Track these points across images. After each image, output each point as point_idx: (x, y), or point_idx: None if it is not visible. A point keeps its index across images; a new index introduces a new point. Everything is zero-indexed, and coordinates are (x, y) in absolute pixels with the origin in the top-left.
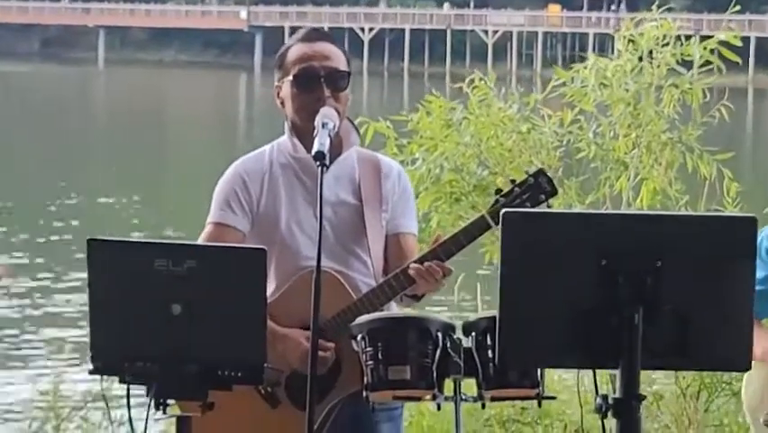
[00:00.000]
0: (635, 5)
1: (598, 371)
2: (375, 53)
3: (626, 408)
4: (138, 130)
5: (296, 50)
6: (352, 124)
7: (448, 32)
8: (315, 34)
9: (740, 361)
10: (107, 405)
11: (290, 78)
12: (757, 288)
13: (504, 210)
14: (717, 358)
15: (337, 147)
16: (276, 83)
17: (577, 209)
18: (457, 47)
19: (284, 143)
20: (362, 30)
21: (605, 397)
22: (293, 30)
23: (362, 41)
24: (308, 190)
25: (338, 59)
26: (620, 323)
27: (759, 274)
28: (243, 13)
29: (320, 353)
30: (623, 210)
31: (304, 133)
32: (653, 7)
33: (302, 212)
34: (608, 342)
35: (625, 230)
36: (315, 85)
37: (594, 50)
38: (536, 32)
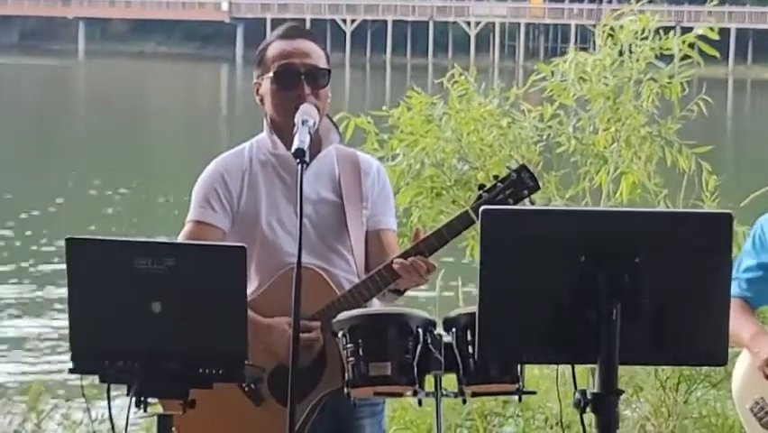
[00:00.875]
0: None
1: (579, 365)
2: (357, 45)
3: (604, 402)
4: (118, 123)
5: (275, 46)
6: (332, 121)
7: (430, 24)
8: (295, 31)
9: (717, 355)
10: (87, 403)
11: (270, 74)
12: (750, 275)
13: (483, 207)
14: (695, 353)
15: (317, 145)
16: (255, 79)
17: (557, 204)
18: (440, 39)
19: (263, 141)
20: (344, 21)
21: (583, 392)
22: (275, 22)
23: (344, 33)
24: (288, 187)
25: (318, 57)
26: (598, 318)
27: (750, 262)
28: (225, 5)
29: (305, 335)
30: (603, 204)
31: (283, 130)
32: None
33: (282, 209)
34: (586, 337)
35: (603, 226)
36: (295, 82)
37: (576, 41)
38: (519, 24)
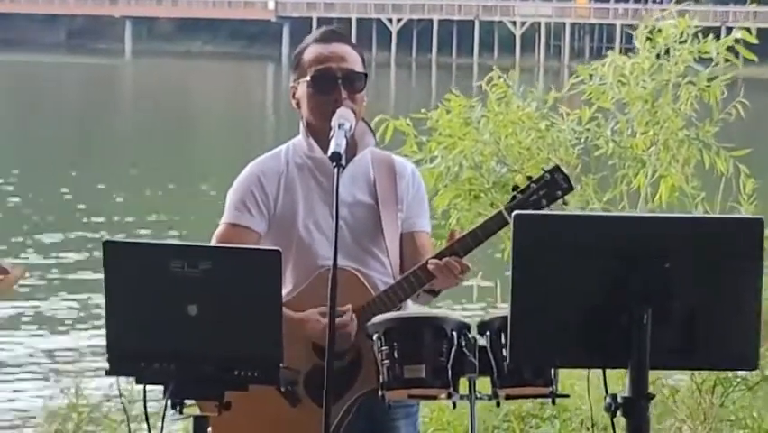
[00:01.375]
0: None
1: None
2: (403, 44)
3: (635, 407)
4: (165, 122)
5: (312, 50)
6: (368, 125)
7: (476, 23)
8: (331, 35)
9: (748, 359)
10: (124, 405)
11: (307, 79)
12: None
13: (515, 212)
14: (726, 357)
15: (353, 148)
16: (291, 83)
17: (595, 207)
18: (485, 38)
19: (299, 144)
20: (390, 20)
21: (614, 396)
22: (321, 20)
23: (390, 32)
24: (325, 190)
25: (354, 61)
26: (629, 323)
27: None
28: (271, 4)
29: (338, 319)
30: (640, 207)
31: (319, 133)
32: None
33: (319, 212)
34: (617, 341)
35: (634, 231)
36: (332, 86)
37: (622, 41)
38: (564, 24)
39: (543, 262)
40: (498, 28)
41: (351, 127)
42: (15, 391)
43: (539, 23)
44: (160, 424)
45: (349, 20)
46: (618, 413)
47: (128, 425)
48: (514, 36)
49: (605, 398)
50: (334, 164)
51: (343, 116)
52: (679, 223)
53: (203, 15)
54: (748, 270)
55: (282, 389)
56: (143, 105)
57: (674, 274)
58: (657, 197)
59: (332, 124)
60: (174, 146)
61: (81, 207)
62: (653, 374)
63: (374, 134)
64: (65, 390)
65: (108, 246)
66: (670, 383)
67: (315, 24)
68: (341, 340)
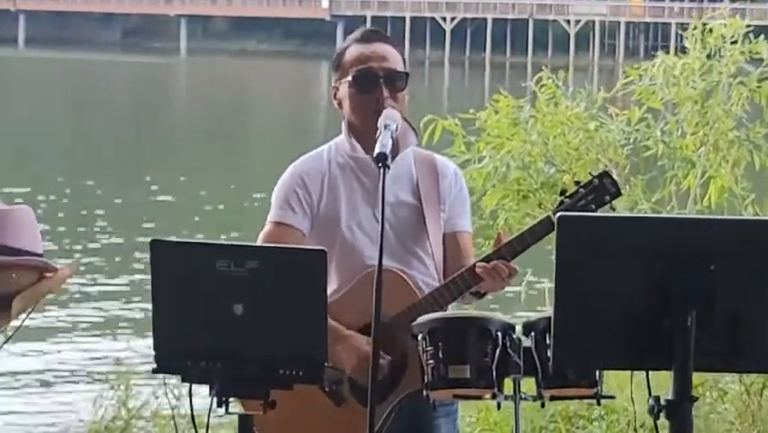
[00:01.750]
0: None
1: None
2: (457, 43)
3: (678, 409)
4: (220, 120)
5: (353, 50)
6: (410, 124)
7: (530, 22)
8: (372, 35)
9: None
10: (170, 403)
11: (349, 78)
12: None
13: (559, 214)
14: None
15: (395, 147)
16: (333, 83)
17: (643, 208)
18: (539, 37)
19: (341, 143)
20: (444, 19)
21: (657, 398)
22: (375, 19)
23: (444, 31)
24: (367, 191)
25: (396, 60)
26: (673, 325)
27: None
28: (325, 2)
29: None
30: (689, 208)
31: (361, 133)
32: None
33: (362, 212)
34: (661, 344)
35: (678, 233)
36: (374, 86)
37: (677, 40)
38: (618, 22)
39: (586, 264)
40: (552, 27)
41: (397, 128)
42: (68, 392)
43: (593, 22)
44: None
45: (403, 18)
46: (662, 415)
47: (174, 422)
48: (568, 35)
49: (648, 400)
50: (380, 165)
51: (390, 117)
52: (724, 225)
53: (257, 14)
54: None
55: (326, 388)
56: (198, 103)
57: (719, 277)
58: (707, 198)
59: (378, 124)
60: (229, 145)
61: (135, 207)
62: (701, 377)
63: (416, 133)
64: (115, 387)
65: (155, 245)
66: (719, 386)
67: (369, 23)
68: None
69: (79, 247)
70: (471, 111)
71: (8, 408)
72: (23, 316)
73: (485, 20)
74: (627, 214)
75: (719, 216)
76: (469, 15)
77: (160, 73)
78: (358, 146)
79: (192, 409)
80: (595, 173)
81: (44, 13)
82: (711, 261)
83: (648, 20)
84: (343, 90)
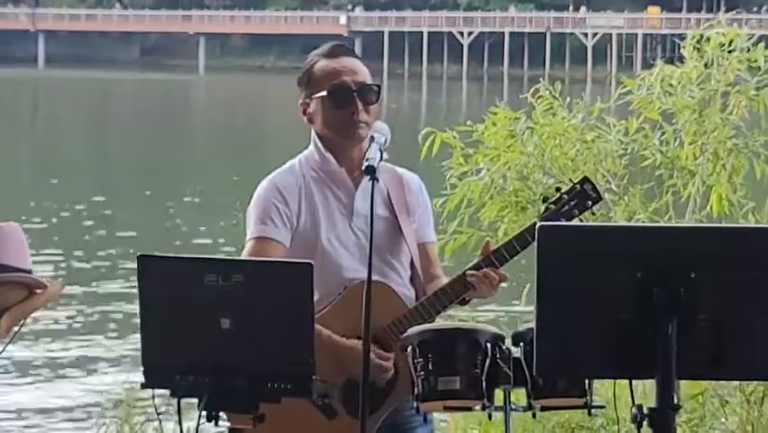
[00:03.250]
0: (735, 4)
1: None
2: (474, 57)
3: (661, 417)
4: (239, 137)
5: (322, 66)
6: None
7: (548, 36)
8: (339, 49)
9: None
10: (159, 417)
11: (323, 93)
12: None
13: (539, 224)
14: (754, 368)
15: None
16: (302, 99)
17: (641, 218)
18: (557, 50)
19: (310, 157)
20: (461, 34)
21: (640, 407)
22: (392, 35)
23: (462, 46)
24: (343, 203)
25: (364, 74)
26: (655, 334)
27: None
28: (343, 19)
29: (381, 363)
30: (688, 217)
31: (335, 146)
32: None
33: (339, 225)
34: (643, 353)
35: (659, 242)
36: (349, 100)
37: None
38: (636, 34)
39: (566, 274)
40: (569, 40)
41: (385, 141)
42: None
43: (611, 35)
44: None
45: (420, 33)
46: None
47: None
48: (585, 48)
49: (630, 409)
50: (369, 178)
51: (378, 129)
52: (704, 233)
53: (275, 31)
54: None
55: (319, 402)
56: (216, 120)
57: (700, 285)
58: (708, 207)
59: (364, 136)
60: (247, 161)
61: (153, 224)
62: (700, 387)
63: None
64: (116, 403)
65: (142, 260)
66: (719, 394)
67: (386, 39)
68: (377, 378)
69: (93, 264)
70: (468, 123)
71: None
72: (11, 333)
73: (502, 34)
74: (608, 223)
75: (699, 225)
76: (486, 29)
77: (180, 90)
78: (330, 158)
79: (180, 423)
80: (576, 180)
81: (63, 32)
82: (692, 269)
83: (665, 31)
84: (315, 105)
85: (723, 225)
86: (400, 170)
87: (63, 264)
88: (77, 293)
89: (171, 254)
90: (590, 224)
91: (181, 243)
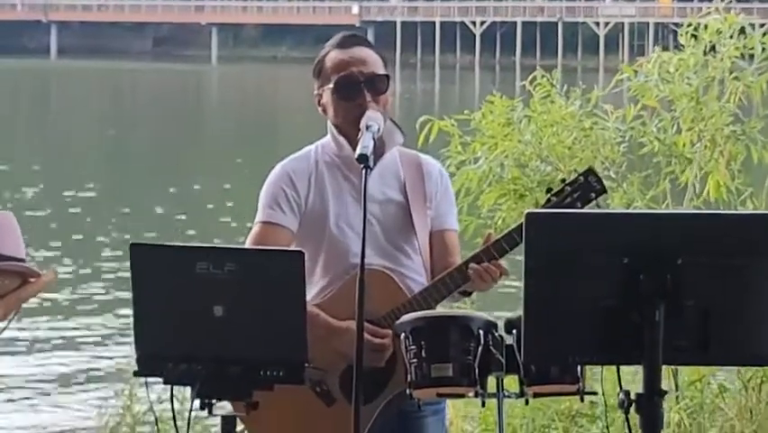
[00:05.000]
0: None
1: None
2: (487, 47)
3: (648, 403)
4: (251, 127)
5: (333, 57)
6: (395, 124)
7: (559, 25)
8: (350, 39)
9: (764, 356)
10: (153, 408)
11: (330, 86)
12: None
13: (526, 211)
14: (741, 354)
15: (380, 147)
16: (316, 91)
17: (638, 205)
18: (569, 39)
19: (327, 144)
20: (474, 23)
21: (627, 392)
22: (404, 24)
23: (474, 35)
24: (355, 188)
25: (375, 63)
26: (642, 320)
27: None
28: (355, 9)
29: (377, 341)
30: (686, 204)
31: (349, 135)
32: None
33: (350, 210)
34: (630, 338)
35: (646, 229)
36: (356, 91)
37: None
38: (648, 24)
39: (554, 260)
40: (581, 29)
41: (379, 129)
42: (73, 397)
43: (623, 24)
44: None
45: (432, 23)
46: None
47: (156, 427)
48: (597, 37)
49: (618, 394)
50: (362, 166)
51: (372, 118)
52: (690, 219)
53: (288, 21)
54: (761, 266)
55: (317, 389)
56: (229, 110)
57: (687, 271)
58: (705, 192)
59: (360, 125)
60: (260, 151)
61: (167, 216)
62: (698, 373)
63: (403, 133)
64: (119, 392)
65: (135, 249)
66: (719, 381)
67: (399, 28)
68: (373, 358)
69: (108, 253)
70: (466, 112)
71: (12, 415)
72: (5, 321)
73: (514, 23)
74: (595, 210)
75: (686, 211)
76: (498, 19)
77: (192, 81)
78: (345, 144)
79: (174, 412)
80: (580, 171)
81: (75, 23)
82: (678, 255)
83: (677, 20)
84: (326, 97)
85: (709, 211)
86: (423, 156)
87: (76, 252)
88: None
89: (163, 242)
90: (577, 211)
91: (195, 232)
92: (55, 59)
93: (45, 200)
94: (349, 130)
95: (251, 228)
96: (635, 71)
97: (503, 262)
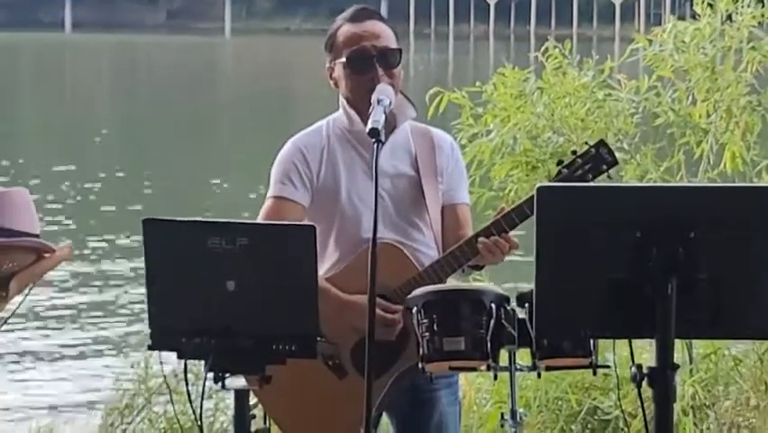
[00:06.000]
0: None
1: None
2: (501, 17)
3: (660, 377)
4: (265, 101)
5: (345, 30)
6: (407, 98)
7: None
8: (363, 13)
9: None
10: (167, 381)
11: (342, 60)
12: None
13: (537, 185)
14: (753, 327)
15: (392, 121)
16: (328, 64)
17: (652, 178)
18: (584, 8)
19: (339, 119)
20: None
21: (639, 366)
22: None
23: (488, 5)
24: (367, 163)
25: (388, 37)
26: (654, 293)
27: None
28: None
29: (389, 316)
30: (701, 176)
31: (360, 109)
32: None
33: (362, 184)
34: (642, 312)
35: (658, 202)
36: (368, 65)
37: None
38: None
39: (566, 234)
40: None
41: (390, 103)
42: (88, 370)
43: None
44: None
45: None
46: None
47: (171, 399)
48: (613, 5)
49: (630, 368)
50: (374, 140)
51: (383, 92)
52: (703, 192)
53: None
54: None
55: (329, 363)
56: (244, 83)
57: (699, 244)
58: (721, 165)
59: (372, 100)
60: (274, 125)
61: (181, 190)
62: (713, 346)
63: (414, 107)
64: (135, 364)
65: (147, 224)
66: (733, 353)
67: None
68: (384, 333)
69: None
70: (477, 84)
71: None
72: (21, 296)
73: None
74: (606, 183)
75: (698, 184)
76: None
77: (206, 53)
78: (357, 119)
79: (187, 385)
80: (592, 143)
81: None
82: (691, 228)
83: None
84: (339, 70)
85: (722, 184)
86: (434, 129)
87: (91, 226)
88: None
89: (176, 218)
90: (589, 184)
91: (204, 202)
92: (70, 32)
93: (58, 174)
94: (360, 104)
95: (264, 202)
96: (650, 41)
97: (514, 234)
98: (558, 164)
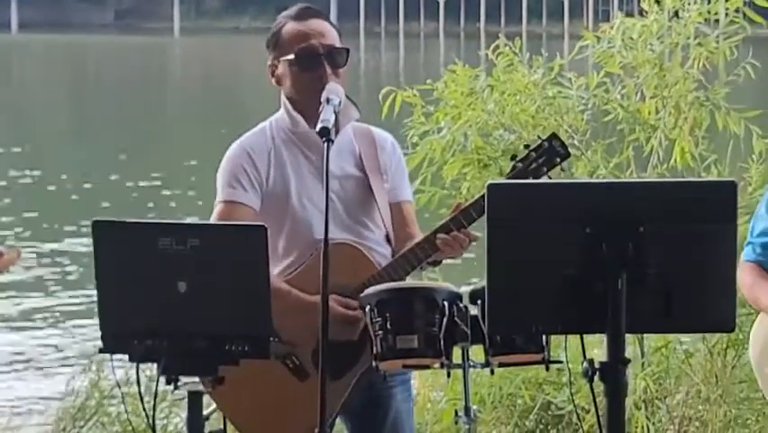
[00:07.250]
0: None
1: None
2: (451, 15)
3: (612, 371)
4: (214, 99)
5: (290, 28)
6: (351, 99)
7: None
8: (307, 11)
9: (726, 322)
10: (119, 385)
11: (290, 57)
12: (765, 239)
13: (488, 182)
14: (703, 320)
15: (337, 122)
16: (270, 62)
17: (602, 173)
18: (533, 6)
19: (281, 119)
20: None
21: (591, 361)
22: None
23: (438, 3)
24: (314, 165)
25: (333, 36)
26: (605, 289)
27: (764, 226)
28: None
29: (351, 313)
30: (650, 172)
31: (305, 109)
32: None
33: (311, 187)
34: (594, 307)
35: (607, 198)
36: (317, 63)
37: None
38: None
39: (517, 231)
40: None
41: (340, 102)
42: (39, 374)
43: None
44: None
45: None
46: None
47: (123, 400)
48: (562, 3)
49: (582, 363)
50: (324, 139)
51: (333, 91)
52: (651, 188)
53: None
54: (723, 232)
55: (290, 364)
56: (193, 83)
57: (649, 239)
58: (671, 160)
59: (321, 99)
60: (224, 124)
61: (131, 191)
62: (664, 339)
63: (358, 108)
64: (86, 368)
65: (97, 226)
66: (684, 347)
67: None
68: (347, 332)
69: (73, 228)
70: (429, 81)
71: None
72: None
73: None
74: (556, 180)
75: (646, 180)
76: None
77: (155, 54)
78: (301, 120)
79: (140, 388)
80: (544, 137)
81: None
82: (640, 223)
83: None
84: (283, 68)
85: (670, 179)
86: (374, 129)
87: (38, 229)
88: (53, 257)
89: (126, 219)
90: (539, 181)
91: (154, 205)
92: (16, 33)
93: (7, 177)
94: (306, 103)
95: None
96: (598, 38)
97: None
98: (512, 159)
